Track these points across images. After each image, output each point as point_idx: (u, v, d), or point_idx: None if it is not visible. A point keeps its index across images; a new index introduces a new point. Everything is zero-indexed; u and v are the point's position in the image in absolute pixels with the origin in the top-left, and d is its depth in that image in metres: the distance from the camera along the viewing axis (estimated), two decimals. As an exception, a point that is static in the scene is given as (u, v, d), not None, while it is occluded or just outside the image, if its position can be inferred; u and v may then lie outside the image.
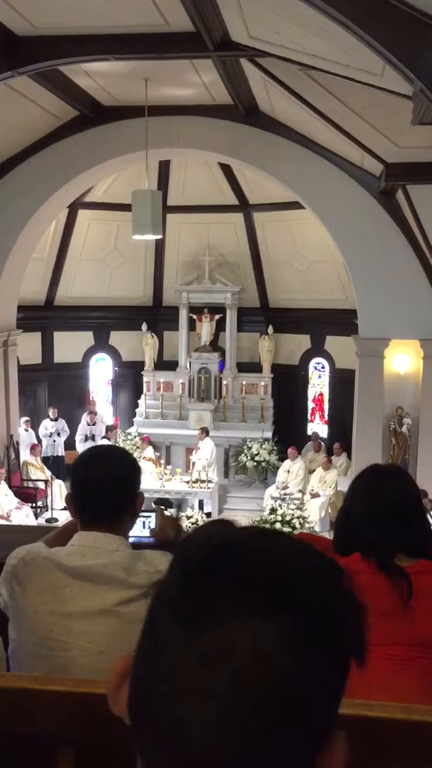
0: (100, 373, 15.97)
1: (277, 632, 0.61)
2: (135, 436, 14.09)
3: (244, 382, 14.49)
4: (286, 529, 10.87)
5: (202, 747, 0.59)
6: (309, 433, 14.78)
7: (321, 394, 15.20)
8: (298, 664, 0.61)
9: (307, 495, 12.47)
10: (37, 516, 11.88)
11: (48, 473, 12.83)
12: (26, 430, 13.59)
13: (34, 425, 14.20)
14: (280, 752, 0.60)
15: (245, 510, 12.71)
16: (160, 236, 10.44)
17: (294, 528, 11.02)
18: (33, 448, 13.17)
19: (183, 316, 14.91)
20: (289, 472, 12.89)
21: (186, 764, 0.60)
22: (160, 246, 14.84)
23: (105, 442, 12.79)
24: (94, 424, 14.32)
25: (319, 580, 0.66)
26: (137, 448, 13.32)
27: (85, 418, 14.44)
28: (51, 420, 14.25)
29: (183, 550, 0.69)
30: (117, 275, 15.21)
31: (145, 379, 15.04)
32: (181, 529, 2.48)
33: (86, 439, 14.07)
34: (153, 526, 2.53)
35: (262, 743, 0.59)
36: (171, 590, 0.66)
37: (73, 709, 1.53)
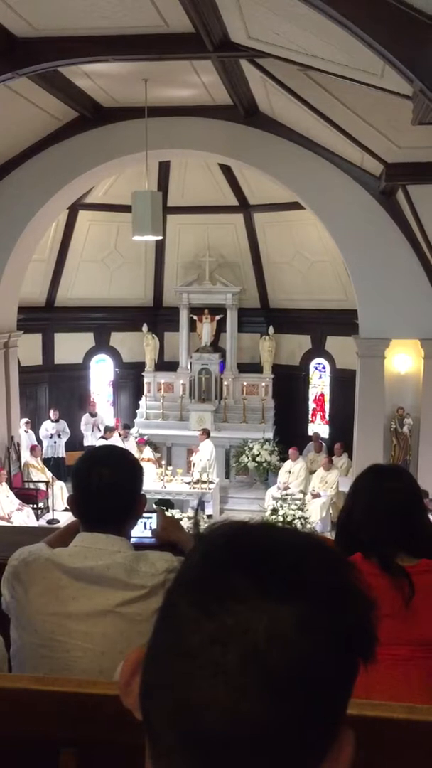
0: (101, 374, 15.97)
1: (291, 616, 0.62)
2: (135, 437, 14.08)
3: (244, 383, 14.49)
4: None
5: (213, 725, 0.60)
6: (310, 433, 14.78)
7: (322, 395, 15.21)
8: (310, 648, 0.62)
9: (308, 495, 12.46)
10: (38, 517, 11.88)
11: (49, 474, 12.83)
12: (26, 432, 13.59)
13: (35, 426, 14.21)
14: (291, 732, 0.61)
15: (246, 511, 12.71)
16: (160, 237, 10.44)
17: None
18: (33, 449, 13.18)
19: (183, 316, 14.91)
20: (290, 472, 12.89)
21: (197, 743, 0.61)
22: (160, 247, 14.84)
23: (103, 442, 12.78)
24: (94, 425, 14.34)
25: (334, 570, 0.68)
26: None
27: (85, 419, 14.45)
28: (52, 421, 14.25)
29: (204, 536, 0.70)
30: (117, 276, 15.22)
31: (145, 380, 15.04)
32: (181, 529, 2.48)
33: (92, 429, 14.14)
34: (154, 526, 2.53)
35: (273, 722, 0.60)
36: (189, 573, 0.68)
37: (75, 709, 1.52)
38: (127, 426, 14.21)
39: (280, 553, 0.66)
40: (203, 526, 0.74)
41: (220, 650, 0.61)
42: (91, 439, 14.09)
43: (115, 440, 13.31)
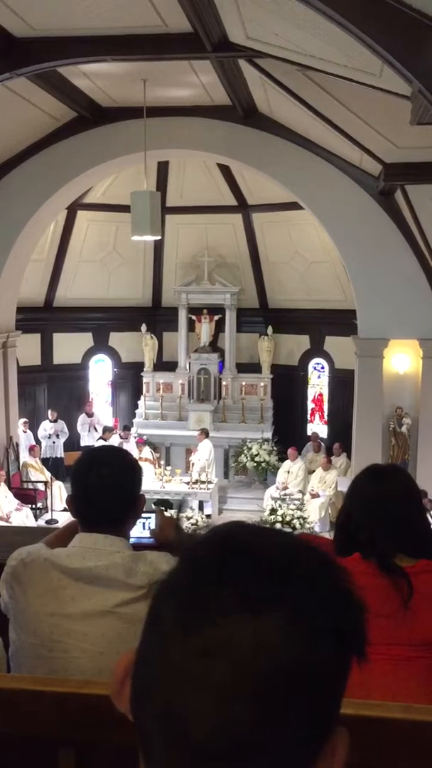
0: (100, 374, 15.97)
1: (277, 625, 0.61)
2: (134, 437, 14.08)
3: (243, 383, 14.49)
4: (286, 530, 10.88)
5: (203, 737, 0.60)
6: (309, 433, 14.78)
7: (320, 395, 15.21)
8: (298, 657, 0.61)
9: (307, 495, 12.46)
10: (36, 517, 11.88)
11: (47, 474, 12.83)
12: (25, 432, 13.59)
13: (33, 427, 14.20)
14: (280, 742, 0.60)
15: (245, 511, 12.71)
16: (159, 237, 10.44)
17: (294, 528, 11.03)
18: (32, 450, 13.18)
19: (182, 316, 14.91)
20: (288, 472, 12.89)
21: (187, 755, 0.61)
22: (159, 247, 14.84)
23: (102, 443, 12.78)
24: (91, 425, 14.32)
25: (319, 574, 0.67)
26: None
27: (81, 419, 14.44)
28: (50, 422, 14.25)
29: (186, 546, 0.70)
30: (116, 276, 15.22)
31: (144, 380, 15.03)
32: (182, 530, 2.48)
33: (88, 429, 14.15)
34: (153, 527, 2.53)
35: (262, 733, 0.60)
36: (174, 584, 0.67)
37: (73, 710, 1.53)
38: (127, 427, 14.20)
39: (265, 561, 0.65)
40: (188, 529, 0.73)
41: (206, 664, 0.60)
42: (88, 439, 14.08)
43: (115, 441, 13.31)
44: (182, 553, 0.70)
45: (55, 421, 14.25)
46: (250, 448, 13.50)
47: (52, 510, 11.92)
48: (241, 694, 0.59)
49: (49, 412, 14.45)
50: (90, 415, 14.49)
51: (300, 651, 0.61)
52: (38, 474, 12.82)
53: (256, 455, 13.43)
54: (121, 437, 13.63)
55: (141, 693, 0.66)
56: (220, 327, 15.01)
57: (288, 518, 11.29)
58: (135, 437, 13.91)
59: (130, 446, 13.02)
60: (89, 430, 14.27)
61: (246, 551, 0.66)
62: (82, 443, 14.08)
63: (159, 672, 0.63)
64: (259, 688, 0.60)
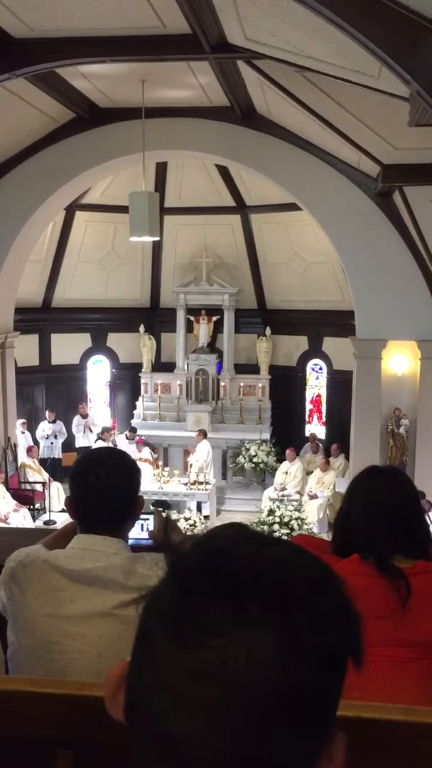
0: (98, 374, 15.97)
1: (271, 643, 0.60)
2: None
3: (241, 384, 14.49)
4: (284, 531, 10.88)
5: (197, 761, 0.59)
6: (307, 434, 14.79)
7: (319, 396, 15.22)
8: (291, 673, 0.60)
9: (305, 496, 12.47)
10: (34, 518, 11.86)
11: (45, 475, 12.82)
12: (23, 432, 13.58)
13: (32, 427, 14.19)
14: (277, 758, 0.60)
15: (243, 511, 12.72)
16: (157, 238, 10.44)
17: (292, 529, 11.02)
18: (30, 450, 13.17)
19: (180, 317, 14.91)
20: (287, 473, 12.89)
21: None
22: (157, 248, 14.85)
23: (101, 443, 12.77)
24: (86, 426, 14.30)
25: (314, 589, 0.65)
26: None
27: (76, 420, 14.42)
28: (49, 422, 14.24)
29: (172, 559, 0.68)
30: (114, 277, 15.22)
31: (142, 380, 15.04)
32: (178, 531, 2.48)
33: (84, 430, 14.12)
34: (152, 528, 2.53)
35: (258, 753, 0.59)
36: (161, 601, 0.65)
37: (71, 711, 1.52)
38: (134, 429, 14.11)
39: (255, 575, 0.63)
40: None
41: (200, 686, 0.59)
42: (83, 440, 14.07)
43: (122, 442, 13.33)
44: (169, 564, 0.67)
45: (53, 421, 14.24)
46: (248, 449, 13.50)
47: (50, 511, 11.90)
48: (236, 717, 0.58)
49: (48, 412, 14.44)
50: (84, 416, 14.47)
51: (296, 670, 0.60)
52: (36, 475, 12.81)
53: (254, 456, 13.43)
54: (128, 438, 13.63)
55: (135, 707, 0.65)
56: (218, 328, 15.02)
57: (286, 519, 11.29)
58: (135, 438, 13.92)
59: (131, 446, 13.02)
60: (84, 432, 14.25)
61: (235, 564, 0.64)
62: (77, 444, 14.07)
63: (153, 692, 0.62)
64: (255, 711, 0.58)
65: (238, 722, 0.58)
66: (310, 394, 15.32)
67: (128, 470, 2.05)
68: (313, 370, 15.25)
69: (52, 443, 14.14)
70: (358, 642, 0.66)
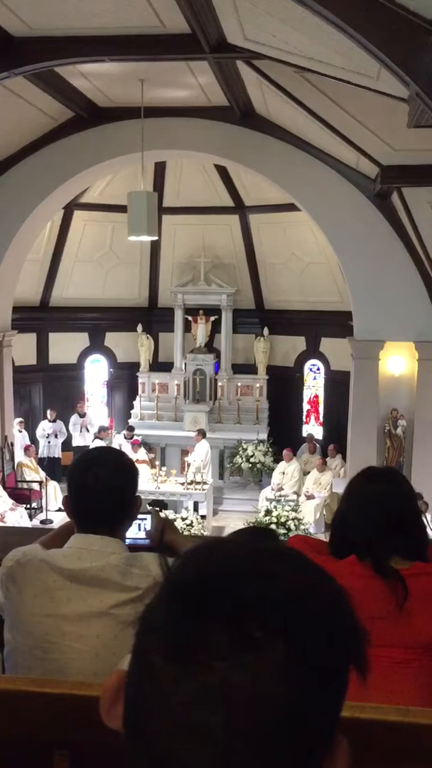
0: (95, 374, 15.96)
1: (276, 665, 0.58)
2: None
3: (239, 384, 14.49)
4: (281, 531, 10.88)
5: None
6: (304, 434, 14.80)
7: (316, 396, 15.23)
8: (300, 695, 0.59)
9: (302, 497, 12.48)
10: (31, 517, 11.86)
11: (42, 474, 12.81)
12: (20, 431, 13.56)
13: (28, 426, 14.17)
14: None
15: (240, 511, 12.73)
16: (155, 237, 10.44)
17: (289, 530, 11.03)
18: (27, 449, 13.16)
19: (178, 317, 14.91)
20: (284, 473, 12.90)
21: None
22: (155, 247, 14.85)
23: (99, 442, 12.77)
24: (83, 425, 14.28)
25: (317, 607, 0.63)
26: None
27: (73, 419, 14.40)
28: (49, 421, 14.23)
29: (170, 578, 0.65)
30: (112, 276, 15.21)
31: (140, 380, 15.02)
32: (175, 531, 2.48)
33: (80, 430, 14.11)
34: (149, 528, 2.53)
35: None
36: (158, 621, 0.63)
37: (68, 711, 1.52)
38: (132, 428, 14.10)
39: (256, 592, 0.60)
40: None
41: (205, 712, 0.57)
42: (80, 439, 14.05)
43: (120, 442, 13.30)
44: (168, 583, 0.65)
45: (54, 420, 14.24)
46: (245, 449, 13.51)
47: (47, 510, 11.90)
48: (241, 742, 0.57)
49: (48, 411, 14.43)
50: (82, 415, 14.46)
51: (301, 692, 0.59)
52: (33, 474, 12.80)
53: (252, 456, 13.43)
54: (126, 437, 13.62)
55: (134, 724, 0.63)
56: (216, 328, 15.01)
57: (283, 519, 11.30)
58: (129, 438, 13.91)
59: (127, 446, 13.01)
60: (81, 431, 14.24)
61: (234, 581, 0.61)
62: (74, 443, 14.06)
63: (152, 713, 0.60)
64: (261, 735, 0.57)
65: (242, 745, 0.57)
66: (307, 394, 15.33)
67: (126, 470, 2.05)
68: (310, 370, 15.26)
69: (50, 442, 14.13)
70: (363, 660, 0.65)
